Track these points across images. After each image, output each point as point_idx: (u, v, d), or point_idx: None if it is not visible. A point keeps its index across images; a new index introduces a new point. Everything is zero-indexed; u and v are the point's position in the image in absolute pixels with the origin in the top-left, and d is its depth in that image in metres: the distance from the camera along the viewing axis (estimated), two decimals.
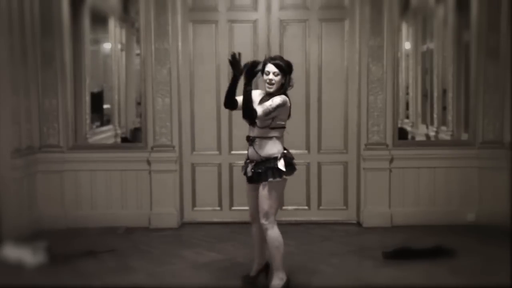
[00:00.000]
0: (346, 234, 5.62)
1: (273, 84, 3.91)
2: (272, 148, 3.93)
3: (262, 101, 3.97)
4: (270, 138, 3.93)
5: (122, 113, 6.53)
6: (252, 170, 3.99)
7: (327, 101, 5.96)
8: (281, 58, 4.02)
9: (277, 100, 3.84)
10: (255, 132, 3.96)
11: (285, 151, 3.97)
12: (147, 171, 5.87)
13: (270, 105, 3.82)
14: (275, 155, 3.92)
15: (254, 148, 3.97)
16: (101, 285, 4.31)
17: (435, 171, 5.87)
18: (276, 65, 3.91)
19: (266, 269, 4.22)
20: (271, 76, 3.90)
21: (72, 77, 5.92)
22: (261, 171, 3.93)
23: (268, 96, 3.95)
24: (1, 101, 5.26)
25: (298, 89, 5.73)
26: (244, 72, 3.80)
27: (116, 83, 6.45)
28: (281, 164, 3.90)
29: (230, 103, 3.97)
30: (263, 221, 3.97)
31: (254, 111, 3.80)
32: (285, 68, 3.93)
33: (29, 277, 4.45)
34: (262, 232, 4.02)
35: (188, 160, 6.05)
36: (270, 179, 3.90)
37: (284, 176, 3.94)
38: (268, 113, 3.82)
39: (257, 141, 3.96)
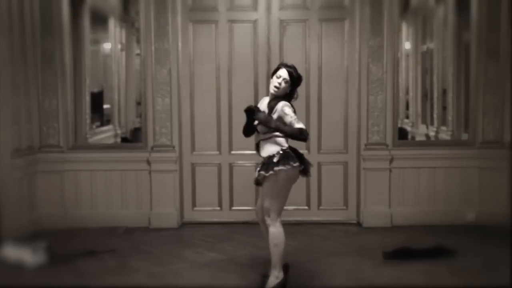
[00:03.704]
0: (346, 234, 5.62)
1: (278, 88, 3.94)
2: (273, 146, 3.95)
3: (269, 104, 3.99)
4: (270, 138, 3.96)
5: (122, 113, 6.53)
6: (258, 171, 4.02)
7: (327, 101, 5.96)
8: (295, 68, 4.03)
9: (288, 110, 3.85)
10: (259, 137, 4.03)
11: (285, 148, 3.95)
12: (147, 171, 5.87)
13: (291, 117, 3.82)
14: (273, 153, 3.93)
15: (259, 152, 4.04)
16: (101, 285, 4.31)
17: (435, 171, 5.87)
18: (289, 72, 3.95)
19: (285, 270, 4.16)
20: (280, 80, 3.94)
21: (72, 77, 5.92)
22: (260, 169, 3.97)
23: (274, 100, 3.96)
24: (1, 101, 5.25)
25: (298, 89, 5.74)
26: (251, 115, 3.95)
27: (116, 83, 6.45)
28: (275, 158, 3.90)
29: (249, 133, 4.14)
30: (265, 217, 4.01)
31: (304, 131, 3.80)
32: (295, 78, 3.97)
33: (29, 277, 4.45)
34: None
35: (188, 160, 6.05)
36: (262, 172, 3.91)
37: (276, 168, 3.85)
38: (296, 122, 3.82)
39: (261, 144, 4.02)
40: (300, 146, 5.68)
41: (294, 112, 3.92)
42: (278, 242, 3.98)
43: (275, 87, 3.94)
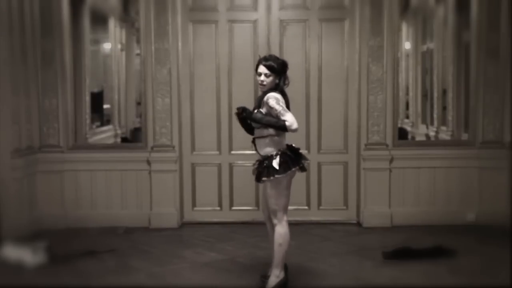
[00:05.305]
0: (346, 234, 5.62)
1: (264, 85, 3.96)
2: (269, 146, 3.96)
3: (258, 98, 4.04)
4: (266, 136, 3.96)
5: (122, 113, 6.53)
6: (256, 169, 4.04)
7: (327, 101, 5.96)
8: (274, 59, 4.02)
9: (273, 103, 3.84)
10: (255, 133, 4.03)
11: (282, 150, 3.95)
12: (147, 171, 5.87)
13: (276, 109, 3.81)
14: (272, 153, 3.94)
15: (256, 149, 4.05)
16: (101, 285, 4.31)
17: (435, 171, 5.87)
18: (268, 67, 3.93)
19: (284, 270, 4.15)
20: (262, 77, 3.96)
21: (72, 77, 5.93)
22: (260, 170, 3.98)
23: (263, 94, 3.98)
24: (1, 101, 5.25)
25: (298, 89, 5.75)
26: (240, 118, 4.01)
27: (116, 83, 6.45)
28: (275, 163, 3.90)
29: (251, 131, 4.10)
30: (272, 217, 4.04)
31: (282, 123, 3.80)
32: (277, 69, 3.95)
33: (29, 277, 4.45)
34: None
35: (188, 160, 6.05)
36: (264, 178, 3.93)
37: (277, 175, 3.88)
38: (283, 114, 3.80)
39: (257, 141, 4.03)
40: (300, 146, 5.69)
41: (287, 102, 3.94)
42: (283, 242, 4.00)
43: (260, 85, 3.98)
